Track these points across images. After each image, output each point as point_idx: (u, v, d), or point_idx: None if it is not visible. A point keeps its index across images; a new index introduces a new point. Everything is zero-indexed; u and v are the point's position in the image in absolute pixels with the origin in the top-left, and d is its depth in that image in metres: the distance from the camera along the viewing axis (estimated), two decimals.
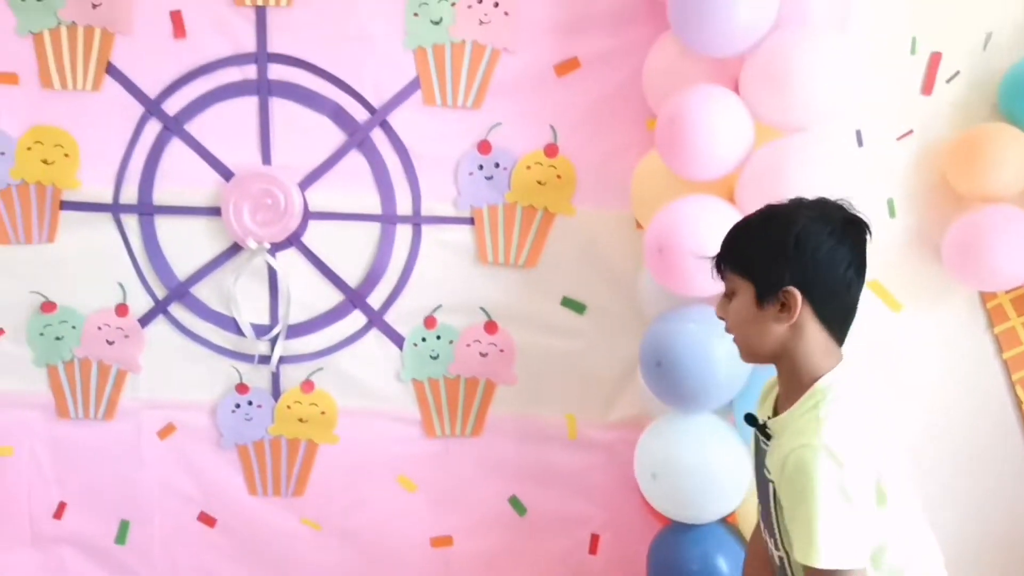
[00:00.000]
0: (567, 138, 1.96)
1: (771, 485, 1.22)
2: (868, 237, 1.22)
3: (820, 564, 1.11)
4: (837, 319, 1.22)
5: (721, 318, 1.28)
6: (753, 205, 1.50)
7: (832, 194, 1.28)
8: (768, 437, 1.25)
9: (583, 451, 2.07)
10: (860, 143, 1.86)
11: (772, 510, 1.23)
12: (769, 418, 1.27)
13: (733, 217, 1.57)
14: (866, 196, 1.65)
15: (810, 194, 1.28)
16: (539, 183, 1.98)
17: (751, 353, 1.26)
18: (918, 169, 1.90)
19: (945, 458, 1.99)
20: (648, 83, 1.82)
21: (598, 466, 2.06)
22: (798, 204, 1.23)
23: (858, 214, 1.22)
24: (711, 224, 1.50)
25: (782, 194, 1.53)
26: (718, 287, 1.29)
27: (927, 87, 1.86)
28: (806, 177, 1.55)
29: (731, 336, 1.27)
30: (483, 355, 2.06)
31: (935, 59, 1.85)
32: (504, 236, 2.01)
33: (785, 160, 1.56)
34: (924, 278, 1.94)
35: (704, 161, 1.56)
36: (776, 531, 1.24)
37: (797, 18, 1.57)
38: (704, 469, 1.72)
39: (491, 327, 2.05)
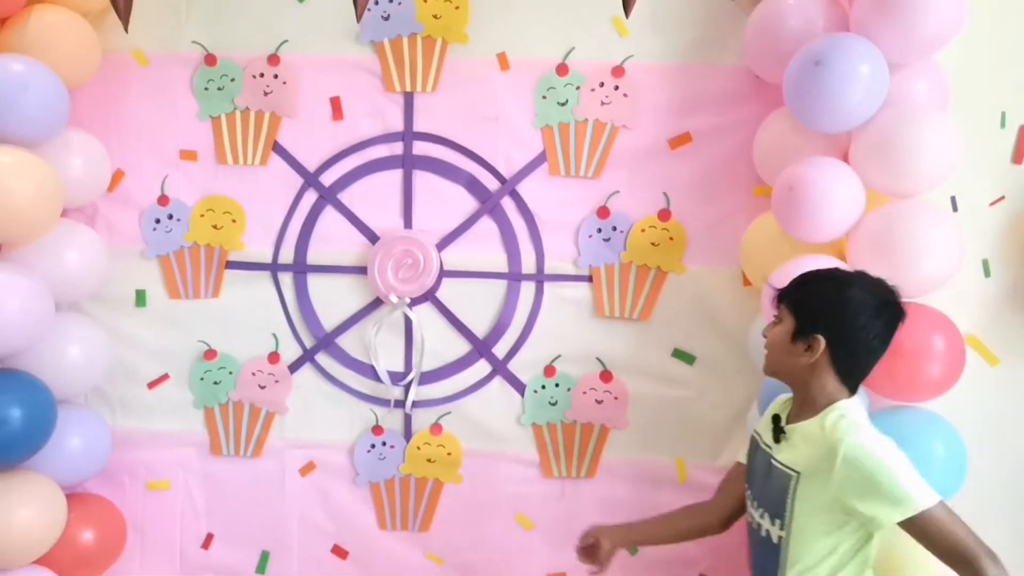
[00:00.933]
0: (679, 204, 2.17)
1: (793, 477, 1.48)
2: (901, 321, 1.51)
3: (923, 505, 1.37)
4: (850, 373, 1.50)
5: (765, 336, 1.58)
6: (865, 263, 1.70)
7: (928, 257, 1.66)
8: (777, 440, 1.55)
9: (692, 493, 2.17)
10: (955, 208, 2.01)
11: (787, 497, 1.49)
12: (786, 424, 1.56)
13: None
14: (963, 257, 1.83)
15: (914, 255, 1.62)
16: (653, 244, 2.18)
17: (772, 370, 1.58)
18: (1011, 232, 2.02)
19: None
20: (759, 155, 2.01)
21: None
22: (858, 275, 1.54)
23: (900, 299, 1.51)
24: None
25: (892, 253, 1.72)
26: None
27: (1017, 157, 2.01)
28: (913, 239, 1.72)
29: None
30: (598, 402, 2.23)
31: (1023, 132, 2.01)
32: (620, 292, 2.20)
33: (894, 224, 1.73)
34: (1020, 333, 2.06)
35: (820, 225, 1.74)
36: (786, 514, 1.49)
37: (903, 97, 1.75)
38: None
39: (606, 376, 2.22)
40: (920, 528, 1.38)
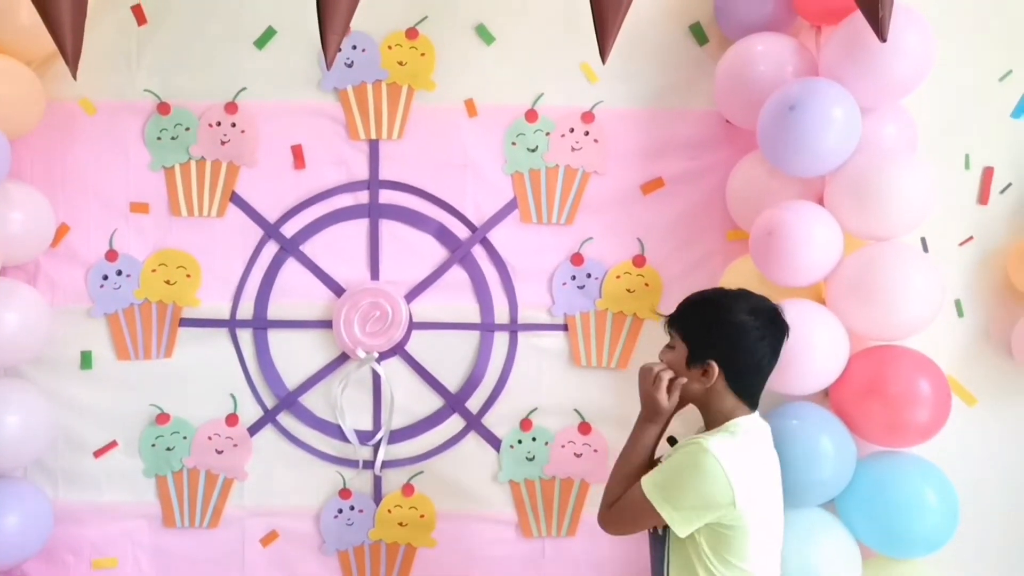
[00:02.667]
0: (653, 249, 2.13)
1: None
2: (786, 338, 1.60)
3: (644, 487, 1.53)
4: (747, 389, 1.59)
5: (660, 360, 1.66)
6: (845, 306, 1.70)
7: (910, 300, 1.73)
8: None
9: None
10: (926, 249, 2.02)
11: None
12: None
13: (827, 320, 1.73)
14: (944, 299, 1.83)
15: (895, 298, 1.70)
16: (628, 291, 2.13)
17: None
18: (982, 271, 2.05)
19: (1016, 551, 2.05)
20: (732, 199, 2.00)
21: None
22: (741, 297, 1.60)
23: (782, 315, 1.59)
24: (808, 324, 1.71)
25: (873, 296, 1.71)
26: (817, 384, 1.71)
27: (983, 198, 2.05)
28: (894, 281, 1.71)
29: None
30: (577, 455, 2.15)
31: (988, 173, 2.04)
32: (596, 340, 2.14)
33: (873, 266, 1.73)
34: (996, 372, 2.06)
35: (800, 268, 1.72)
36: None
37: (874, 141, 1.76)
38: (809, 561, 1.77)
39: (585, 428, 2.15)
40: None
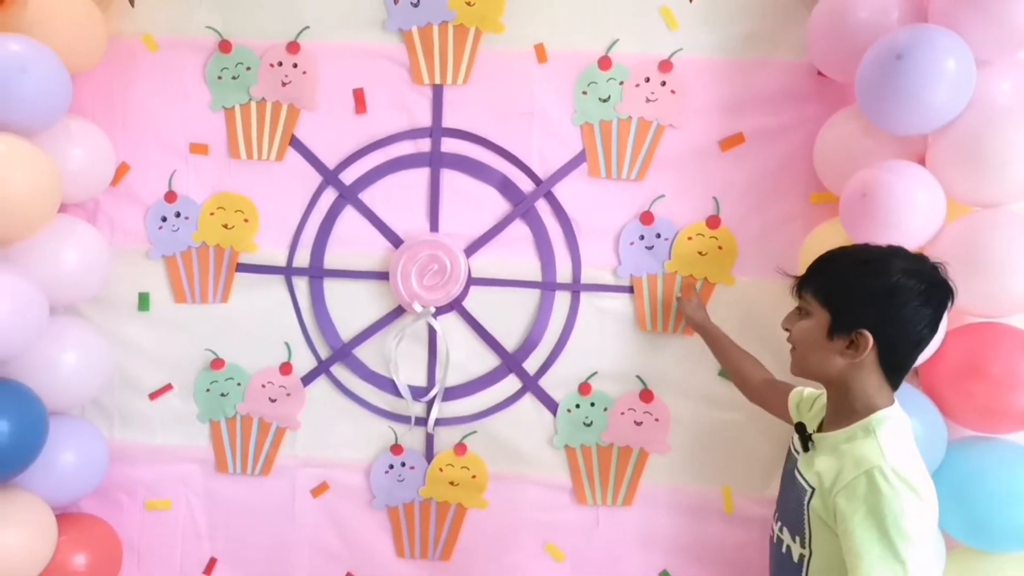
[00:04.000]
0: (729, 210, 2.00)
1: (809, 492, 1.31)
2: (950, 303, 1.31)
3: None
4: (897, 368, 1.32)
5: (786, 329, 1.40)
6: None
7: (1018, 274, 1.49)
8: (806, 448, 1.37)
9: (739, 526, 2.03)
10: None
11: (804, 513, 1.32)
12: (815, 431, 1.39)
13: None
14: None
15: (1002, 271, 1.46)
16: (700, 254, 2.01)
17: (804, 371, 1.38)
18: None
19: None
20: (820, 158, 1.85)
21: (755, 542, 2.01)
22: (895, 254, 1.32)
23: (948, 279, 1.30)
24: None
25: (977, 268, 1.55)
26: None
27: None
28: (1001, 253, 1.56)
29: (790, 346, 1.40)
30: (638, 424, 2.06)
31: None
32: (663, 305, 2.03)
33: (979, 236, 1.57)
34: None
35: (896, 235, 1.56)
36: (804, 530, 1.32)
37: (987, 97, 1.59)
38: None
39: (647, 395, 2.05)
40: None
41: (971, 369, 1.59)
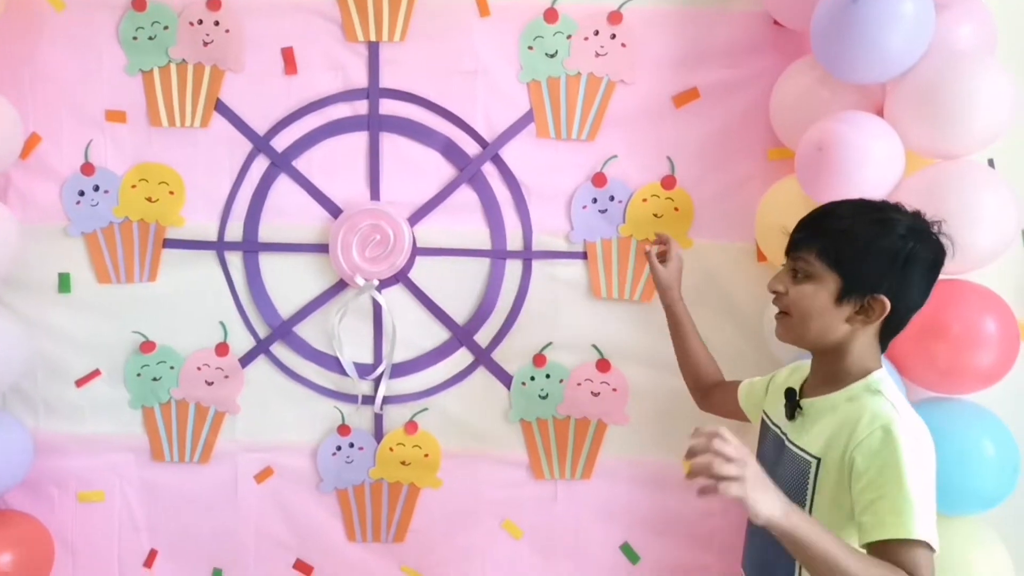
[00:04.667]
0: (685, 169, 1.92)
1: (813, 464, 1.24)
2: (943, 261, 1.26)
3: (916, 534, 1.11)
4: (894, 331, 1.28)
5: (776, 291, 1.30)
6: None
7: (979, 229, 1.47)
8: (792, 417, 1.31)
9: (701, 498, 1.98)
10: (993, 168, 1.80)
11: (808, 485, 1.25)
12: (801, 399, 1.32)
13: None
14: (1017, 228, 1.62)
15: (962, 225, 1.37)
16: (655, 216, 1.93)
17: (797, 339, 1.30)
18: None
19: None
20: (776, 112, 1.78)
21: (717, 512, 1.97)
22: (902, 215, 1.25)
23: (946, 241, 1.26)
24: None
25: None
26: None
27: None
28: (961, 207, 1.50)
29: (777, 310, 1.31)
30: (595, 395, 1.98)
31: None
32: (618, 270, 1.95)
33: (939, 189, 1.51)
34: None
35: (854, 190, 1.48)
36: (805, 502, 1.25)
37: (947, 43, 1.52)
38: None
39: (603, 365, 1.98)
40: (897, 555, 1.11)
41: (931, 328, 1.54)
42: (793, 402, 1.31)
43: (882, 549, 1.13)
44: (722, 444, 1.05)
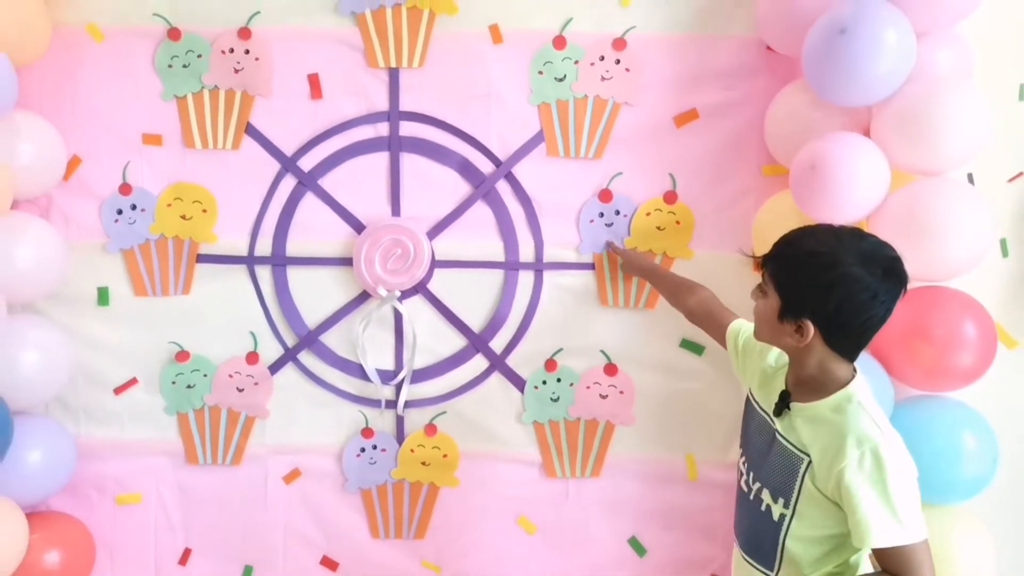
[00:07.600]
0: (686, 185, 2.04)
1: (804, 460, 1.36)
2: (904, 289, 1.33)
3: (918, 538, 1.28)
4: (847, 348, 1.36)
5: (754, 299, 1.44)
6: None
7: (958, 239, 1.57)
8: (779, 414, 1.42)
9: (704, 491, 2.10)
10: (972, 183, 1.92)
11: (797, 480, 1.38)
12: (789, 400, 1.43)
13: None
14: (993, 238, 1.74)
15: (943, 237, 1.54)
16: (658, 229, 2.05)
17: (763, 341, 1.45)
18: None
19: None
20: (771, 131, 1.90)
21: (719, 506, 2.08)
22: (848, 246, 1.31)
23: (900, 264, 1.32)
24: None
25: (919, 234, 1.61)
26: None
27: None
28: (942, 219, 1.62)
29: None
30: (603, 397, 2.10)
31: None
32: (624, 280, 2.07)
33: (921, 203, 1.63)
34: None
35: (844, 205, 1.63)
36: (792, 495, 1.38)
37: (928, 69, 1.65)
38: None
39: (611, 369, 2.10)
40: (897, 559, 1.29)
41: (916, 331, 1.67)
42: (784, 404, 1.42)
43: (881, 554, 1.30)
44: None
